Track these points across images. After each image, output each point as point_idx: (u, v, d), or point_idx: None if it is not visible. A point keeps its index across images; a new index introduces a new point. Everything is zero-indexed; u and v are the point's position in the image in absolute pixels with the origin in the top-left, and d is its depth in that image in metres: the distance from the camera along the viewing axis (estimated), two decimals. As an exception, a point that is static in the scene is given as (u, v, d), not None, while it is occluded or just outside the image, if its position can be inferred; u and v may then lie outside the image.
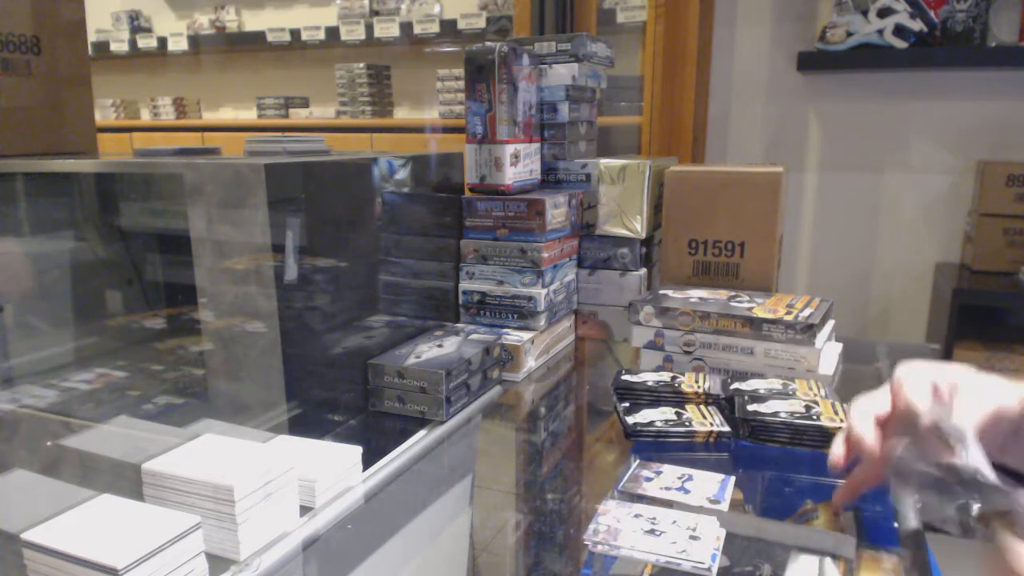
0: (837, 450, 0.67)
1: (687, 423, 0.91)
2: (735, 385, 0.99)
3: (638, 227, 1.34)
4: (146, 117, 4.31)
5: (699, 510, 0.74)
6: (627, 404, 0.97)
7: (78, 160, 1.10)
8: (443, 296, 1.22)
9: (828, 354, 1.08)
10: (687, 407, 0.96)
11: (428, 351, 1.03)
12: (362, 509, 0.77)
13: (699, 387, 0.99)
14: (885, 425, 0.64)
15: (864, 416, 0.65)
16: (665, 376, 1.02)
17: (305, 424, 0.88)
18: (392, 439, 0.92)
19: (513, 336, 1.15)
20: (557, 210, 1.23)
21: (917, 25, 1.99)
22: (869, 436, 0.63)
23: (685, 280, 1.31)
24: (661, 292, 1.21)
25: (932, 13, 1.99)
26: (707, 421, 0.92)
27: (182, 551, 0.58)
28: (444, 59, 3.52)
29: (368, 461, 0.82)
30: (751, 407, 0.92)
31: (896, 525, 0.68)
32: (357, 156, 1.05)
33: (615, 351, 1.37)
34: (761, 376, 1.04)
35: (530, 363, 1.17)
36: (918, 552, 0.62)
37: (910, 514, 0.57)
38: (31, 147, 1.16)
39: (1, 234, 1.10)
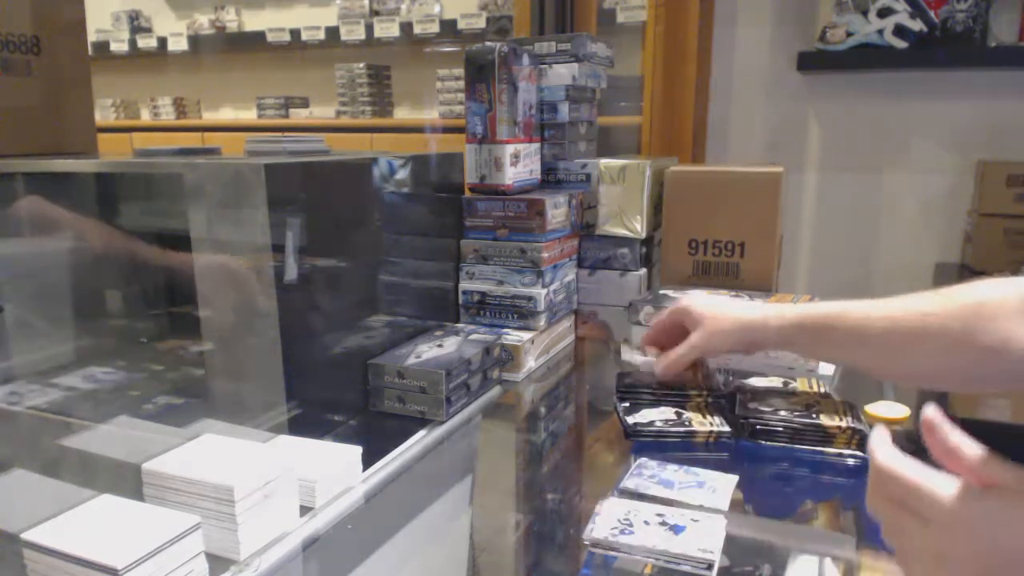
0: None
1: (687, 423, 0.91)
2: (736, 383, 0.99)
3: (638, 227, 1.34)
4: (146, 117, 4.30)
5: (699, 510, 0.74)
6: (627, 404, 0.97)
7: (78, 160, 1.10)
8: (443, 296, 1.22)
9: (828, 354, 1.08)
10: (687, 407, 0.96)
11: (428, 351, 1.03)
12: (362, 509, 0.77)
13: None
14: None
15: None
16: (665, 376, 1.02)
17: (305, 424, 0.88)
18: (392, 439, 0.92)
19: (513, 336, 1.15)
20: (557, 210, 1.23)
21: (917, 25, 1.99)
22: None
23: (685, 280, 1.31)
24: (661, 292, 1.21)
25: (932, 13, 1.99)
26: (707, 421, 0.92)
27: (182, 551, 0.58)
28: (444, 59, 3.52)
29: (368, 461, 0.82)
30: (751, 405, 0.92)
31: None
32: (357, 156, 1.05)
33: (615, 351, 1.37)
34: (762, 375, 1.04)
35: (530, 363, 1.17)
36: None
37: None
38: (31, 147, 1.16)
39: (1, 234, 1.10)
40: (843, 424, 0.87)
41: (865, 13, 2.03)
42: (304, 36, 3.68)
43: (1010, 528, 0.45)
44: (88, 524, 0.59)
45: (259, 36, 3.80)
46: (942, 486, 0.48)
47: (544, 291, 1.18)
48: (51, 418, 0.94)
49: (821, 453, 0.87)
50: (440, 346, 1.05)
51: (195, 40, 4.01)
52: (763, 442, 0.89)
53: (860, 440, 0.86)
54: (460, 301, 1.24)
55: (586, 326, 1.38)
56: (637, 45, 2.29)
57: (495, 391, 1.10)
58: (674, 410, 0.95)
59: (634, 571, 0.67)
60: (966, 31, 2.03)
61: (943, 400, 1.20)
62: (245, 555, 0.65)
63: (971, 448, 0.48)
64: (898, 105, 2.23)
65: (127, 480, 0.68)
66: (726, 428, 0.90)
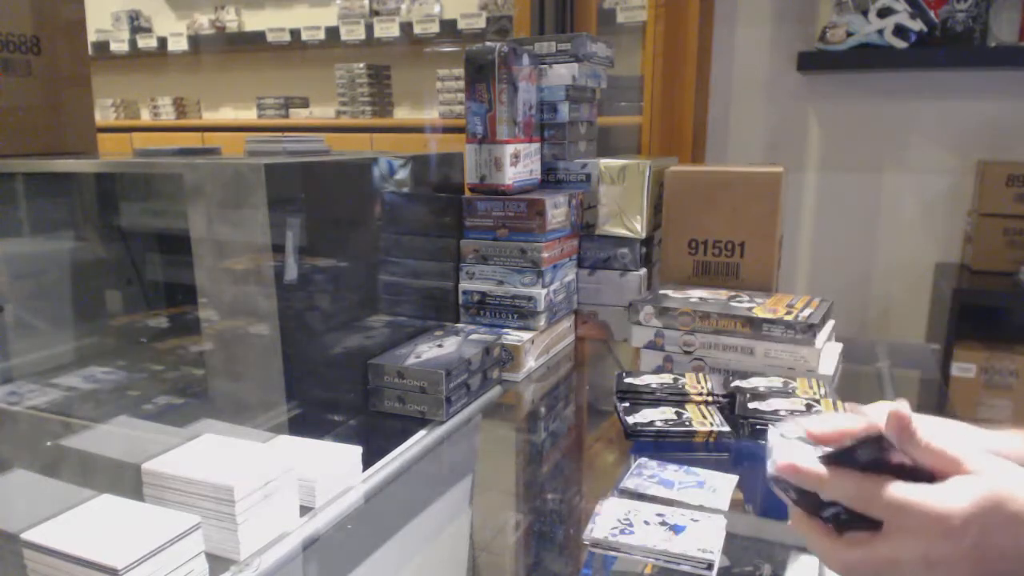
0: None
1: (687, 423, 0.91)
2: (736, 383, 0.99)
3: (638, 227, 1.34)
4: (146, 117, 4.30)
5: (699, 510, 0.74)
6: (627, 404, 0.97)
7: (78, 160, 1.10)
8: (443, 296, 1.22)
9: (828, 354, 1.08)
10: (687, 407, 0.96)
11: (428, 351, 1.03)
12: (362, 509, 0.77)
13: (701, 387, 0.99)
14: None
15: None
16: (667, 379, 1.02)
17: (305, 424, 0.88)
18: (392, 439, 0.92)
19: (513, 336, 1.15)
20: (557, 210, 1.23)
21: (917, 25, 1.99)
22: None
23: (685, 280, 1.31)
24: (661, 292, 1.21)
25: (932, 13, 1.99)
26: (707, 421, 0.92)
27: (182, 551, 0.58)
28: (444, 59, 3.52)
29: (368, 461, 0.82)
30: (752, 404, 0.92)
31: None
32: (357, 156, 1.05)
33: (615, 351, 1.37)
34: (762, 375, 1.04)
35: (530, 363, 1.17)
36: None
37: None
38: (31, 147, 1.16)
39: (1, 234, 1.10)
40: (843, 424, 0.86)
41: (865, 13, 2.03)
42: (304, 36, 3.68)
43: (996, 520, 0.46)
44: (88, 524, 0.59)
45: (259, 36, 3.79)
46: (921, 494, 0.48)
47: (544, 291, 1.18)
48: (51, 418, 0.94)
49: (821, 453, 0.87)
50: (440, 346, 1.05)
51: (195, 40, 4.00)
52: (763, 442, 0.89)
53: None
54: (460, 301, 1.24)
55: (586, 326, 1.38)
56: (637, 45, 2.29)
57: (495, 391, 1.10)
58: (674, 410, 0.95)
59: (634, 571, 0.67)
60: (966, 31, 2.03)
61: (943, 401, 1.20)
62: (245, 555, 0.65)
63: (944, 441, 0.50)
64: (898, 105, 2.23)
65: (127, 480, 0.68)
66: (726, 428, 0.90)
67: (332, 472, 0.75)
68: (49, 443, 0.90)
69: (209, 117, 4.26)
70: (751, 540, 0.72)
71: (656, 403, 0.97)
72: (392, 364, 0.98)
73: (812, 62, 2.16)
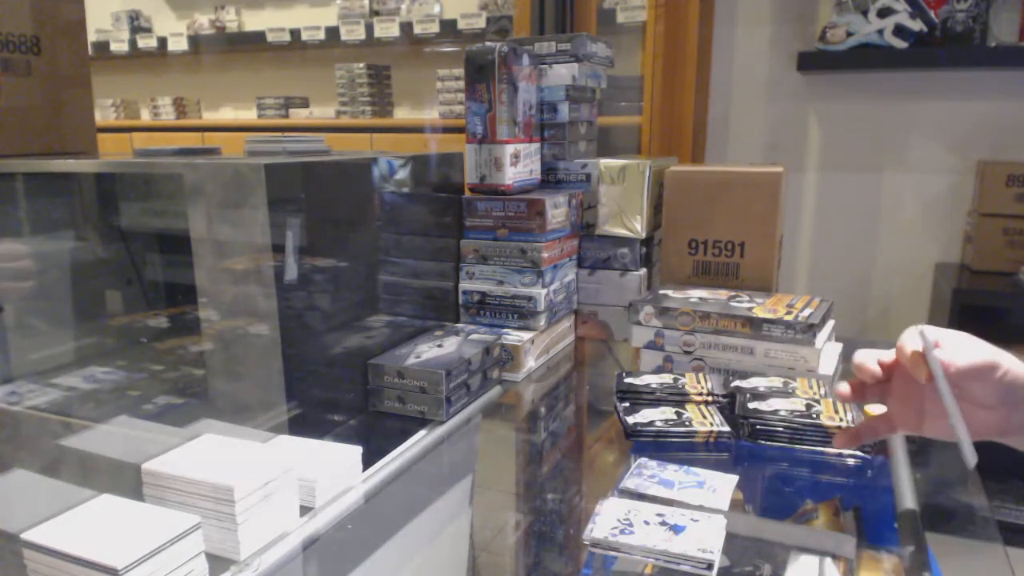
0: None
1: (687, 423, 0.91)
2: (736, 383, 0.99)
3: (638, 227, 1.34)
4: (146, 117, 4.30)
5: (699, 510, 0.74)
6: (627, 404, 0.97)
7: (78, 160, 1.10)
8: (443, 296, 1.22)
9: (828, 354, 1.08)
10: (687, 407, 0.96)
11: (428, 351, 1.03)
12: (362, 509, 0.77)
13: (701, 387, 0.99)
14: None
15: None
16: (667, 378, 1.02)
17: (305, 424, 0.88)
18: (392, 439, 0.92)
19: (513, 336, 1.15)
20: (557, 210, 1.23)
21: (917, 25, 1.99)
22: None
23: (685, 280, 1.31)
24: (661, 292, 1.21)
25: (932, 13, 1.99)
26: (707, 421, 0.92)
27: (182, 551, 0.58)
28: (444, 59, 3.52)
29: (368, 461, 0.82)
30: (752, 404, 0.92)
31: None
32: (357, 156, 1.05)
33: (615, 351, 1.37)
34: (762, 375, 1.04)
35: (530, 363, 1.17)
36: (915, 534, 0.64)
37: (908, 494, 0.58)
38: (31, 147, 1.16)
39: (1, 234, 1.10)
40: (843, 424, 0.87)
41: (865, 13, 2.03)
42: (304, 36, 3.68)
43: None
44: (88, 524, 0.59)
45: (259, 36, 3.79)
46: None
47: (544, 291, 1.18)
48: (51, 418, 0.94)
49: (821, 453, 0.87)
50: (440, 346, 1.05)
51: (195, 40, 4.00)
52: (763, 442, 0.89)
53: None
54: (460, 301, 1.24)
55: (586, 326, 1.38)
56: (637, 45, 2.29)
57: (495, 391, 1.10)
58: (674, 410, 0.95)
59: (634, 571, 0.67)
60: (966, 31, 2.03)
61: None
62: (245, 555, 0.65)
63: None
64: (898, 105, 2.23)
65: (127, 480, 0.68)
66: (726, 428, 0.90)
67: (332, 472, 0.75)
68: (49, 443, 0.90)
69: (209, 117, 4.26)
70: (751, 540, 0.72)
71: (656, 403, 0.97)
72: (392, 364, 0.98)
73: (812, 62, 2.16)
